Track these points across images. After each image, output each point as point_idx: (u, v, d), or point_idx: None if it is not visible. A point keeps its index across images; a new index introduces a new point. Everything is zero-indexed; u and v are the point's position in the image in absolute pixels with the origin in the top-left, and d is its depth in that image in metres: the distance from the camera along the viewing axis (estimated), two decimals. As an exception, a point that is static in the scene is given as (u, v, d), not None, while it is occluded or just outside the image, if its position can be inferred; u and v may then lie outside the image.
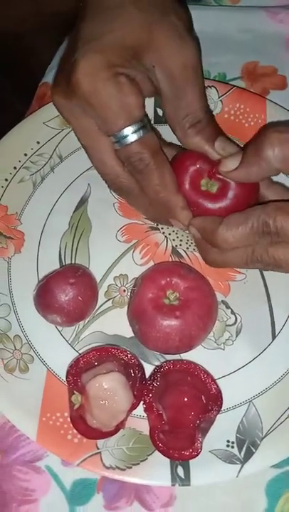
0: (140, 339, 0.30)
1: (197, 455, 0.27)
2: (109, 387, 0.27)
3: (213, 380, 0.29)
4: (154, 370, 0.29)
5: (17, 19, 0.42)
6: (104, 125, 0.27)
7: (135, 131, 0.26)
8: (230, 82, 0.38)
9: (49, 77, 0.40)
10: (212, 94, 0.36)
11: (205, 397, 0.28)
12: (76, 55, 0.26)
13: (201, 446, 0.27)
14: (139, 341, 0.30)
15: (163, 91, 0.28)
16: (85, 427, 0.28)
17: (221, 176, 0.28)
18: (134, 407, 0.28)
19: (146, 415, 0.29)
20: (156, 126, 0.35)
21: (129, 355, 0.29)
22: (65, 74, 0.27)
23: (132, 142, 0.27)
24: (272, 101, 0.36)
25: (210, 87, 0.36)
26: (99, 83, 0.25)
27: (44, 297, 0.30)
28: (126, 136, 0.27)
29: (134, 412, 0.29)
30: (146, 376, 0.30)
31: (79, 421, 0.28)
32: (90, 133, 0.28)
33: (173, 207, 0.28)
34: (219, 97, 0.36)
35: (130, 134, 0.26)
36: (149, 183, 0.28)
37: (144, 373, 0.29)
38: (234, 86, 0.37)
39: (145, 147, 0.27)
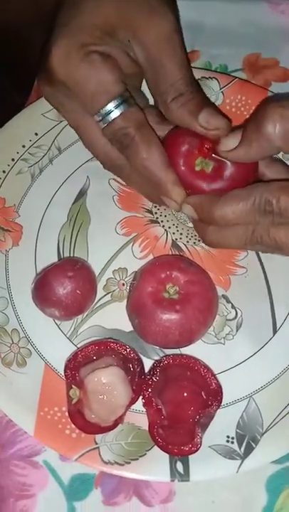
0: (139, 333, 0.30)
1: (197, 450, 0.27)
2: (107, 382, 0.27)
3: (213, 375, 0.28)
4: (153, 364, 0.29)
5: (15, 14, 0.42)
6: (85, 105, 0.27)
7: (116, 107, 0.26)
8: (232, 74, 0.38)
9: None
10: (213, 85, 0.36)
11: (205, 392, 0.28)
12: (50, 42, 0.26)
13: (201, 442, 0.27)
14: (139, 335, 0.30)
15: (142, 65, 0.27)
16: (83, 422, 0.27)
17: (216, 155, 0.27)
18: (133, 401, 0.28)
19: (145, 410, 0.28)
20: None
21: (128, 350, 0.29)
22: (44, 62, 0.27)
23: (114, 118, 0.26)
24: (274, 93, 0.36)
25: (211, 78, 0.36)
26: (72, 65, 0.26)
27: (42, 290, 0.30)
28: (108, 113, 0.26)
29: (133, 406, 0.28)
30: (146, 371, 0.29)
31: (77, 416, 0.28)
32: (75, 115, 0.28)
33: (163, 183, 0.27)
34: (220, 89, 0.36)
35: (112, 110, 0.26)
36: (136, 158, 0.27)
37: (143, 368, 0.29)
38: (236, 77, 0.36)
39: (128, 121, 0.26)
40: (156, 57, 0.26)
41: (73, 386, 0.28)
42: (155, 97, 0.28)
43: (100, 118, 0.27)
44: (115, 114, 0.26)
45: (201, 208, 0.26)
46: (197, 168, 0.27)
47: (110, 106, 0.26)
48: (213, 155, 0.27)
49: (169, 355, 0.29)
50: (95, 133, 0.28)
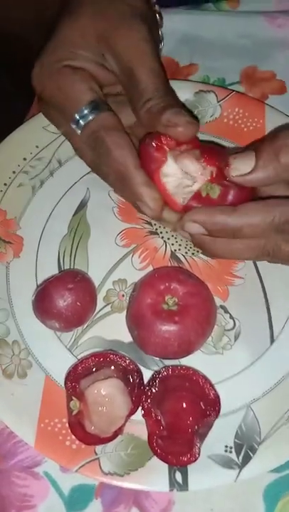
0: (139, 344, 0.30)
1: (195, 460, 0.27)
2: (107, 393, 0.27)
3: (211, 385, 0.29)
4: (152, 375, 0.29)
5: (16, 15, 0.42)
6: (62, 115, 0.28)
7: (87, 114, 0.27)
8: (230, 87, 0.38)
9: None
10: (211, 98, 0.36)
11: (203, 402, 0.28)
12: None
13: (199, 452, 0.27)
14: (138, 346, 0.30)
15: (116, 75, 0.28)
16: (84, 433, 0.28)
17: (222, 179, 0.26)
18: (132, 412, 0.28)
19: (144, 421, 0.29)
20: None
21: (127, 361, 0.29)
22: None
23: (86, 123, 0.27)
24: (271, 106, 0.36)
25: (209, 91, 0.36)
26: (45, 82, 0.28)
27: (43, 303, 0.30)
28: (79, 120, 0.27)
29: (133, 417, 0.29)
30: (145, 382, 0.30)
31: (77, 427, 0.28)
32: (62, 126, 0.30)
33: (135, 185, 0.26)
34: (218, 102, 0.36)
35: (83, 116, 0.27)
36: (107, 161, 0.27)
37: (142, 379, 0.29)
38: (233, 91, 0.37)
39: (99, 126, 0.27)
40: (126, 66, 0.27)
41: (73, 398, 0.28)
42: (130, 105, 0.28)
43: (75, 125, 0.28)
44: (86, 120, 0.27)
45: (212, 219, 0.25)
46: (203, 194, 0.26)
47: (82, 113, 0.27)
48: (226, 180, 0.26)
49: (168, 366, 0.29)
50: (79, 140, 0.29)
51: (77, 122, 0.27)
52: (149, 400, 0.28)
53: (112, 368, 0.29)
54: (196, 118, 0.35)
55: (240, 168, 0.25)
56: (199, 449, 0.27)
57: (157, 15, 0.32)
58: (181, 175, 0.27)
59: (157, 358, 0.31)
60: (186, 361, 0.30)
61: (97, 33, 0.27)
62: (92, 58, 0.28)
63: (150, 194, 0.26)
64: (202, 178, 0.27)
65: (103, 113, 0.27)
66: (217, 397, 0.29)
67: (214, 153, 0.27)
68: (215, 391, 0.29)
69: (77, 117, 0.27)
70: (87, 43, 0.27)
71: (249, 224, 0.25)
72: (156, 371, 0.30)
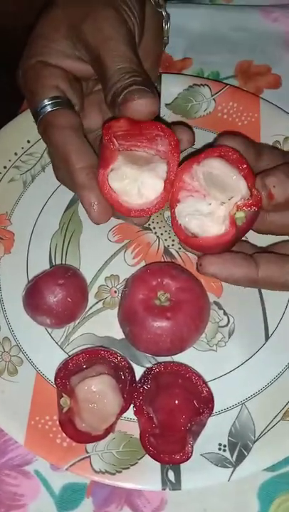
0: (131, 341, 0.30)
1: (188, 459, 0.27)
2: (98, 390, 0.27)
3: (205, 383, 0.28)
4: (144, 372, 0.29)
5: (15, 15, 0.42)
6: (30, 110, 0.28)
7: (44, 110, 0.26)
8: (224, 81, 0.38)
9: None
10: (205, 92, 0.36)
11: (196, 399, 0.28)
12: None
13: (192, 450, 0.27)
14: (130, 343, 0.30)
15: (90, 64, 0.27)
16: (74, 431, 0.27)
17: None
18: (124, 410, 0.28)
19: (136, 418, 0.28)
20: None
21: (119, 358, 0.29)
22: None
23: (40, 119, 0.27)
24: (266, 100, 0.36)
25: (203, 85, 0.36)
26: (22, 74, 0.28)
27: (33, 298, 0.29)
28: (36, 113, 0.27)
29: (125, 415, 0.28)
30: (137, 379, 0.29)
31: (68, 424, 0.27)
32: None
33: (76, 187, 0.25)
34: (212, 96, 0.36)
35: (40, 112, 0.27)
36: (54, 159, 0.27)
37: (134, 376, 0.29)
38: (227, 84, 0.36)
39: (48, 123, 0.26)
40: (95, 53, 0.26)
41: (64, 395, 0.28)
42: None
43: (34, 119, 0.27)
44: (41, 114, 0.27)
45: (234, 277, 0.26)
46: (236, 219, 0.24)
47: (39, 108, 0.27)
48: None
49: (161, 363, 0.29)
50: None
51: (34, 116, 0.27)
52: (141, 398, 0.28)
53: (104, 364, 0.28)
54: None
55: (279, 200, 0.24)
56: (192, 447, 0.27)
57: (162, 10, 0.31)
58: (132, 173, 0.24)
59: (150, 355, 0.31)
60: (179, 358, 0.30)
61: (68, 24, 0.27)
62: (66, 52, 0.27)
63: (87, 199, 0.25)
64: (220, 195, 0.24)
65: (56, 111, 0.26)
66: (210, 394, 0.28)
67: (250, 170, 0.24)
68: (208, 388, 0.28)
69: (36, 112, 0.27)
70: (60, 35, 0.27)
71: (267, 282, 0.26)
72: (148, 368, 0.29)
